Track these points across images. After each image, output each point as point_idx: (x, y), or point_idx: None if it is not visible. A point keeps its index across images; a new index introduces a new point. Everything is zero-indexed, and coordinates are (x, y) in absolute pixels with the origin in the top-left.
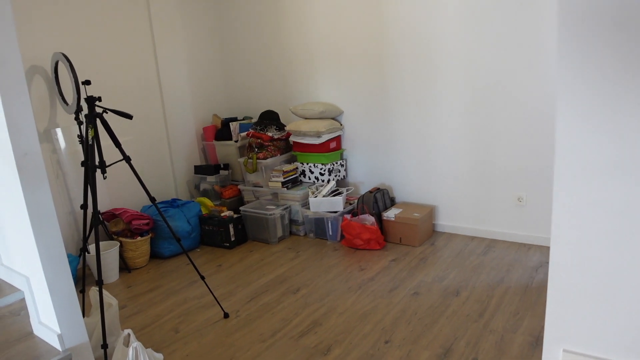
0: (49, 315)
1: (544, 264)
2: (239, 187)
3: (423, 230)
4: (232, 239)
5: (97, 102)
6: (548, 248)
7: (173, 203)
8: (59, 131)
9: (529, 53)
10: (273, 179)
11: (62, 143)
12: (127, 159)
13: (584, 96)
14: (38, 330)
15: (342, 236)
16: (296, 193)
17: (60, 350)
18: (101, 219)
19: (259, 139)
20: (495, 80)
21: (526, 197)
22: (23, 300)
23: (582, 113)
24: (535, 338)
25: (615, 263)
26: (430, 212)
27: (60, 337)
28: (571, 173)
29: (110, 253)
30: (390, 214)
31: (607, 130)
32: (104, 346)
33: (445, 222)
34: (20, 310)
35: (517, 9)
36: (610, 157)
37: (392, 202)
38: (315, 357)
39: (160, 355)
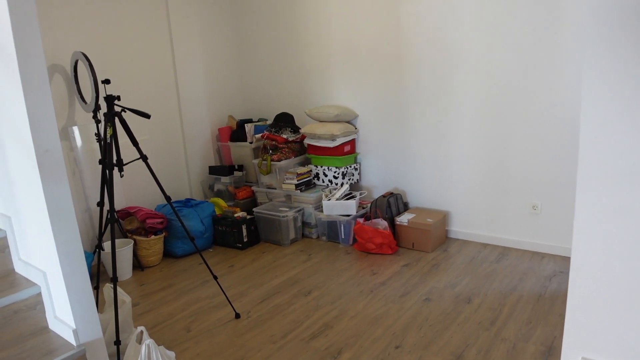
0: (64, 310)
1: (558, 274)
2: (253, 188)
3: (436, 236)
4: (245, 239)
5: (116, 101)
6: (562, 257)
7: (187, 203)
8: (76, 129)
9: (548, 59)
10: (287, 181)
11: (79, 141)
12: (144, 157)
13: (609, 103)
14: (53, 325)
15: (355, 240)
16: (309, 195)
17: (75, 345)
18: (116, 217)
19: (273, 140)
20: (513, 87)
21: (541, 205)
22: (39, 294)
23: (606, 119)
24: (548, 348)
25: (638, 270)
26: (443, 218)
27: (75, 332)
28: (594, 179)
29: (124, 251)
30: (404, 218)
31: (632, 137)
32: (117, 342)
33: (459, 228)
34: (36, 304)
35: (537, 15)
36: (634, 163)
37: (406, 207)
38: None
39: (172, 353)
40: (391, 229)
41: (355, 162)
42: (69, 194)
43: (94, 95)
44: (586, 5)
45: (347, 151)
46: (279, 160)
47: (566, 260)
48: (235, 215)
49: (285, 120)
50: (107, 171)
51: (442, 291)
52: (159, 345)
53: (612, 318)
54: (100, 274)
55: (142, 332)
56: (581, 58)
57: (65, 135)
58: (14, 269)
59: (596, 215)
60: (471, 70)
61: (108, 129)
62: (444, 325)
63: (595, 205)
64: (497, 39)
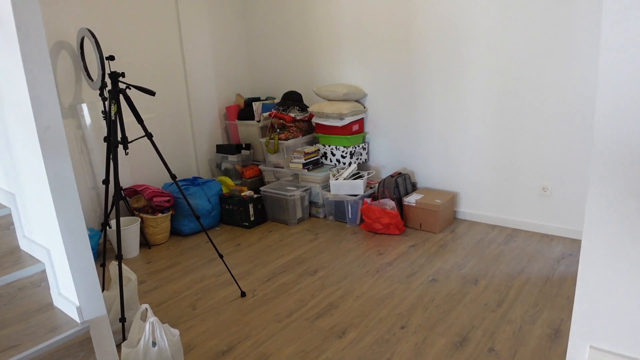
0: (68, 288)
1: (567, 256)
2: (260, 167)
3: (444, 217)
4: (252, 218)
5: (120, 78)
6: (571, 240)
7: (194, 181)
8: (84, 107)
9: (560, 39)
10: (294, 160)
11: (87, 119)
12: (149, 135)
13: (626, 87)
14: (58, 302)
15: (362, 220)
16: (317, 175)
17: (79, 322)
18: (123, 195)
19: (281, 119)
20: (524, 67)
21: (551, 187)
22: (44, 271)
23: (623, 104)
24: (555, 330)
25: None
26: (452, 199)
27: (78, 309)
28: (609, 163)
29: (131, 229)
30: (411, 199)
31: None
32: (122, 320)
33: (467, 209)
34: (40, 281)
35: None
36: None
37: (414, 188)
38: (331, 339)
39: (176, 331)
40: (399, 209)
41: (364, 141)
42: (71, 171)
43: (100, 72)
44: None
45: (355, 130)
46: (286, 139)
47: (575, 242)
48: (242, 194)
49: (293, 99)
50: (112, 149)
51: (449, 272)
52: (164, 322)
53: (624, 307)
54: (107, 252)
55: (146, 309)
56: (596, 38)
57: (74, 112)
58: (19, 246)
59: (609, 201)
60: (482, 50)
61: (112, 106)
62: (450, 306)
63: (609, 188)
64: (510, 19)
